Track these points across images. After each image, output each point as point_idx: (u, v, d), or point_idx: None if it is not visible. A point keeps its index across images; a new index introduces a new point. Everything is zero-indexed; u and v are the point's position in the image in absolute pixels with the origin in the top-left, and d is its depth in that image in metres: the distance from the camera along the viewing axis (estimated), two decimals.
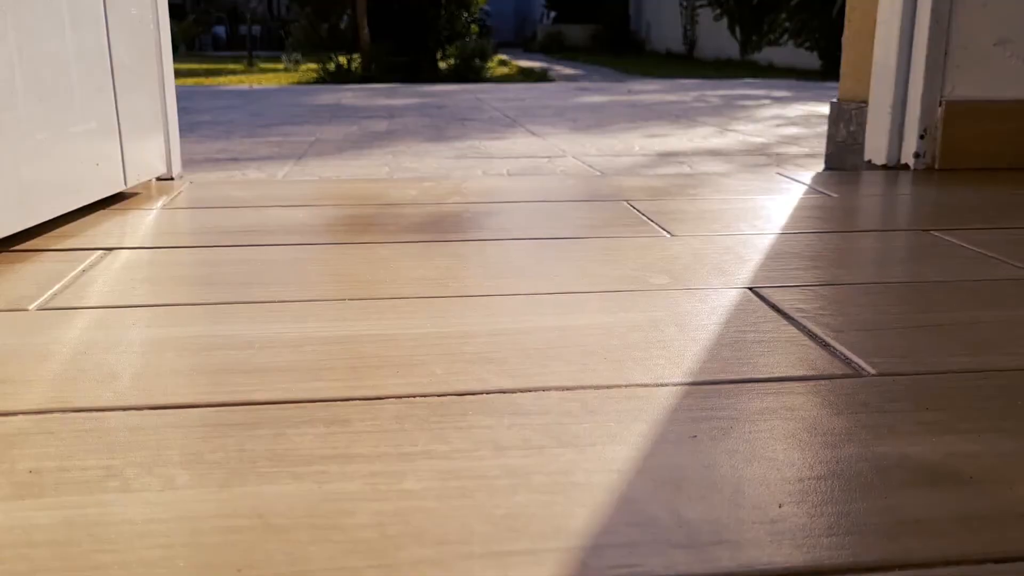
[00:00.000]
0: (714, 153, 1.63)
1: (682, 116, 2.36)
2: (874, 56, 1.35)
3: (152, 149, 1.16)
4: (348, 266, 0.77)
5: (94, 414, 0.46)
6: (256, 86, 3.70)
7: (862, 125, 1.41)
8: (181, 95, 3.00)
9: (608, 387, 0.50)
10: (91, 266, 0.77)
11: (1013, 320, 0.62)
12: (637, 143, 1.78)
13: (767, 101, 2.90)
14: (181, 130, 1.94)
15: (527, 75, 4.94)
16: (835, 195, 1.11)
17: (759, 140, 1.85)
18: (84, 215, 0.98)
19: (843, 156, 1.47)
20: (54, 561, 0.33)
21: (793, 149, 1.79)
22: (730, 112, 2.49)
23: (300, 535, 0.35)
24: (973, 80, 1.29)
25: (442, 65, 4.80)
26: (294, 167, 1.43)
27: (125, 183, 1.07)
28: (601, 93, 3.28)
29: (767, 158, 1.68)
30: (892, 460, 0.41)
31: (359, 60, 5.21)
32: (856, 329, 0.60)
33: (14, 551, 0.33)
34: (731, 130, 2.03)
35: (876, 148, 1.36)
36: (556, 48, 8.35)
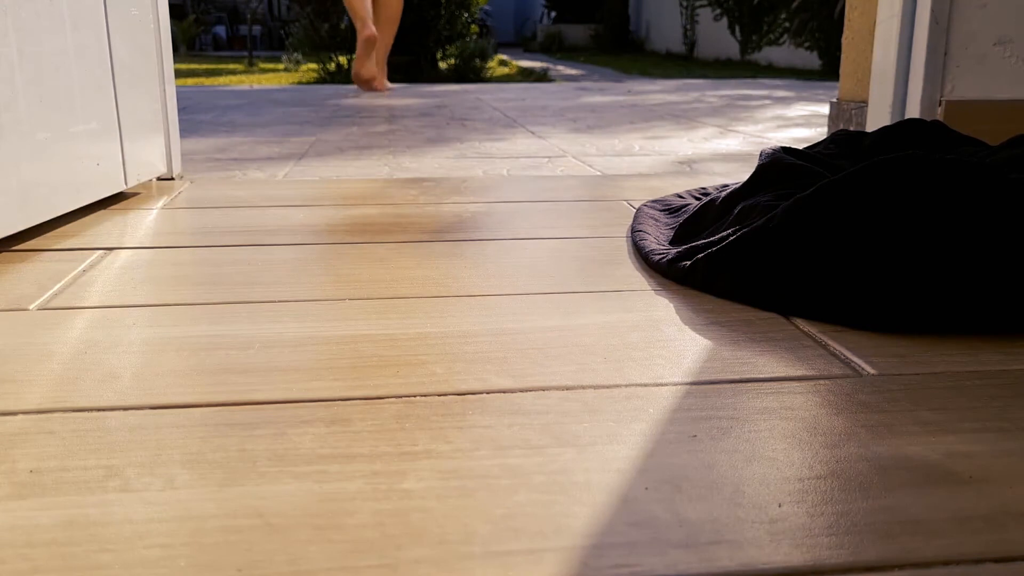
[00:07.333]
0: (714, 153, 1.64)
1: (682, 116, 2.36)
2: (874, 56, 1.35)
3: (152, 149, 1.16)
4: (348, 266, 0.77)
5: (95, 414, 0.46)
6: (256, 86, 3.70)
7: (862, 125, 1.41)
8: (181, 95, 3.00)
9: (608, 387, 0.50)
10: (91, 266, 0.77)
11: None
12: (637, 143, 1.78)
13: (768, 101, 2.90)
14: (181, 130, 1.94)
15: (527, 75, 4.94)
16: None
17: (760, 140, 1.85)
18: (84, 215, 0.98)
19: None
20: (55, 561, 0.33)
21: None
22: (731, 112, 2.49)
23: (300, 535, 0.35)
24: (973, 80, 1.29)
25: (442, 65, 4.80)
26: (295, 167, 1.43)
27: (126, 183, 1.07)
28: (601, 93, 3.28)
29: None
30: (891, 460, 0.41)
31: None
32: (855, 329, 0.60)
33: (15, 551, 0.33)
34: (732, 130, 2.03)
35: None
36: (556, 48, 8.35)
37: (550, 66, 5.87)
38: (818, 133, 1.99)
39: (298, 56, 5.13)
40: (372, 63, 3.16)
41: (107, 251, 0.82)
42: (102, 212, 1.00)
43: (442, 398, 0.48)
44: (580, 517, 0.36)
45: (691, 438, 0.43)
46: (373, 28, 3.10)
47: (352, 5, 3.15)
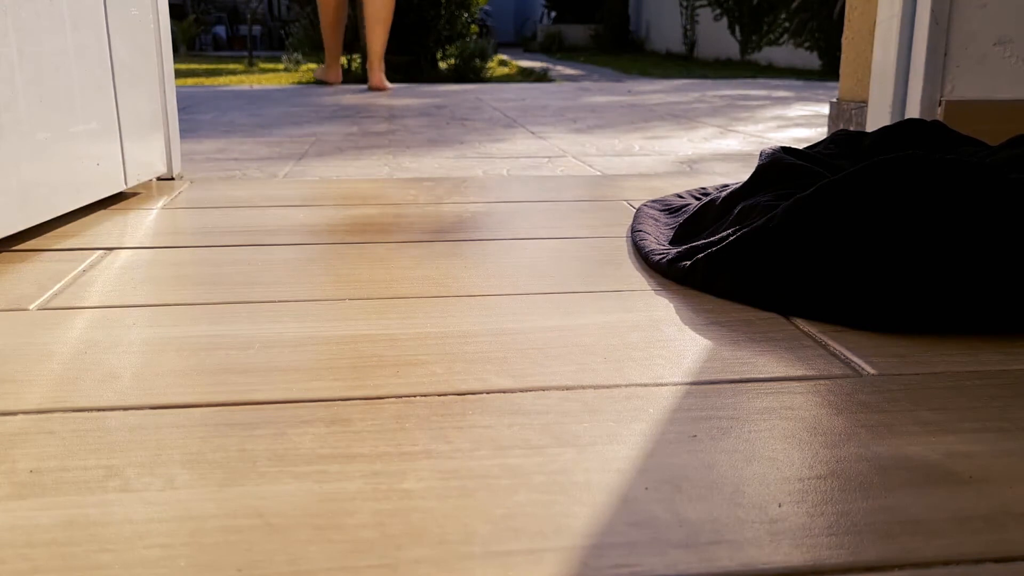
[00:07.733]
0: (714, 153, 1.64)
1: (682, 116, 2.36)
2: (874, 56, 1.35)
3: (152, 149, 1.16)
4: (348, 266, 0.77)
5: (95, 414, 0.46)
6: (256, 86, 3.70)
7: (862, 125, 1.41)
8: (181, 95, 3.00)
9: (608, 387, 0.50)
10: (91, 266, 0.77)
11: None
12: (637, 143, 1.78)
13: (768, 101, 2.90)
14: (181, 130, 1.94)
15: (527, 75, 4.94)
16: None
17: (760, 140, 1.85)
18: (84, 215, 0.98)
19: None
20: (54, 560, 0.33)
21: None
22: (731, 112, 2.49)
23: (300, 535, 0.35)
24: (973, 80, 1.29)
25: (442, 65, 4.79)
26: (294, 167, 1.43)
27: (125, 183, 1.07)
28: (601, 93, 3.28)
29: None
30: (891, 460, 0.41)
31: (359, 60, 5.21)
32: (855, 329, 0.60)
33: (15, 551, 0.33)
34: (732, 131, 2.03)
35: None
36: (556, 48, 8.34)
37: (550, 66, 5.87)
38: (818, 133, 1.99)
39: (298, 56, 5.13)
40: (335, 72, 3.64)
41: (107, 251, 0.82)
42: (102, 212, 1.00)
43: (442, 398, 0.48)
44: (580, 517, 0.36)
45: (691, 438, 0.43)
46: (338, 75, 3.58)
47: (324, 34, 3.49)
